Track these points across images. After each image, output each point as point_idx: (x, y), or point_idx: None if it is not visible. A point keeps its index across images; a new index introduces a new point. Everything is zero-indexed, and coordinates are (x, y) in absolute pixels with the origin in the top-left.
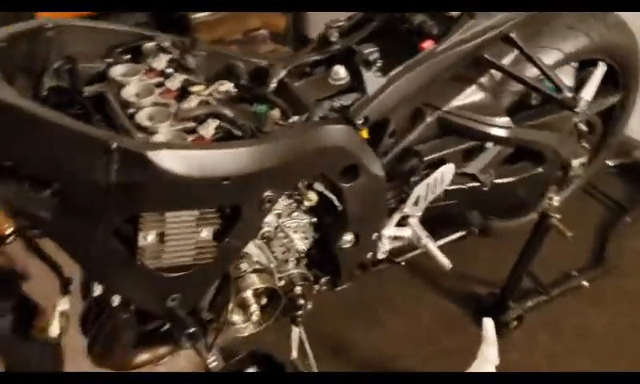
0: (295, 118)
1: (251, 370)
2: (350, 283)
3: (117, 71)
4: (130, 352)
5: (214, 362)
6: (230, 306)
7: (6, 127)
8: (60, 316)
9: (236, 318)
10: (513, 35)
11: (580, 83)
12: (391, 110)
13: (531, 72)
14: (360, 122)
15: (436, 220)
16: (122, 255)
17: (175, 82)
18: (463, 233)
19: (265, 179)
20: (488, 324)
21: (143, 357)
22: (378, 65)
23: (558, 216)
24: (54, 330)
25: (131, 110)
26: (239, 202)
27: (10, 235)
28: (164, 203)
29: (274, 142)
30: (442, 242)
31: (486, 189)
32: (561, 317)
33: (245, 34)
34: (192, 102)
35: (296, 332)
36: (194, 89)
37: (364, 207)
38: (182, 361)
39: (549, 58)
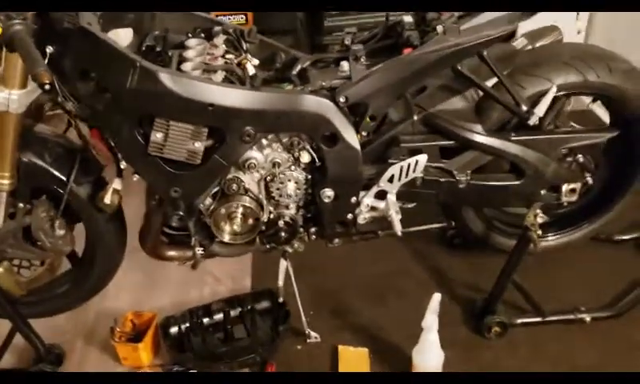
0: (290, 87)
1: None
2: (341, 242)
3: (191, 43)
4: (161, 243)
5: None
6: (222, 210)
7: (91, 47)
8: (113, 192)
9: (223, 225)
10: (484, 54)
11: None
12: (369, 96)
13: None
14: (342, 100)
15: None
16: (139, 144)
17: (218, 50)
18: (440, 225)
19: (245, 116)
20: (436, 297)
21: (171, 252)
22: (367, 62)
23: (539, 232)
24: (107, 199)
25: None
26: (222, 126)
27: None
28: (166, 111)
29: (256, 92)
30: (416, 228)
31: (461, 186)
32: (549, 340)
33: None
34: (217, 63)
35: (283, 264)
36: (228, 56)
37: (341, 170)
38: None
39: (537, 85)
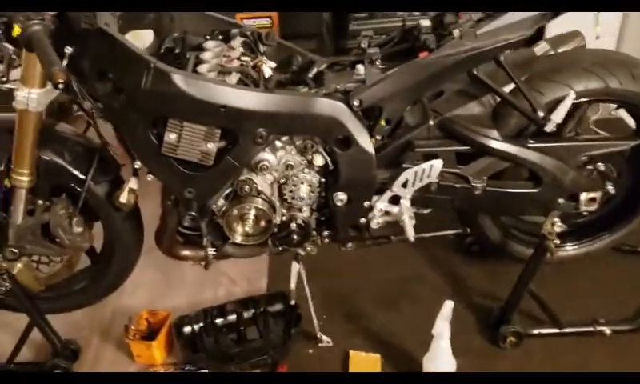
0: (305, 90)
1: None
2: (354, 246)
3: (209, 45)
4: (177, 243)
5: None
6: (235, 212)
7: (108, 47)
8: (129, 191)
9: (235, 226)
10: (501, 58)
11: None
12: (384, 99)
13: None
14: (356, 103)
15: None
16: (153, 144)
17: (235, 53)
18: (455, 231)
19: (258, 118)
20: (448, 304)
21: (186, 252)
22: (383, 66)
23: (556, 241)
24: (123, 198)
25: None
26: (235, 128)
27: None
28: (179, 112)
29: (269, 94)
30: (430, 234)
31: (477, 193)
32: (566, 352)
33: None
34: (233, 65)
35: (295, 267)
36: (243, 58)
37: (354, 174)
38: None
39: (556, 91)
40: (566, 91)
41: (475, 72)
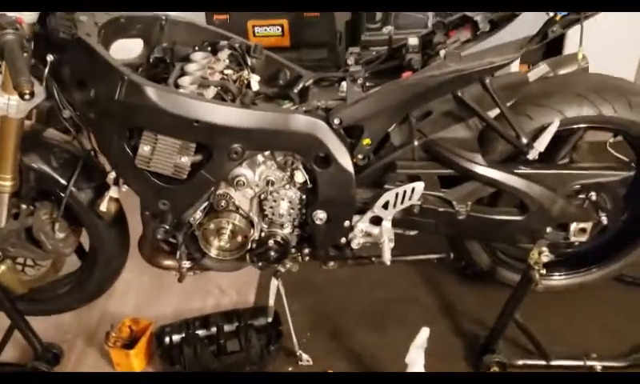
0: (286, 105)
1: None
2: (336, 265)
3: (196, 56)
4: (159, 252)
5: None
6: (211, 226)
7: (86, 57)
8: (109, 199)
9: (212, 239)
10: (487, 81)
11: None
12: (364, 119)
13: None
14: (336, 122)
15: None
16: (127, 156)
17: (219, 65)
18: (437, 255)
19: (232, 133)
20: (424, 332)
21: (168, 262)
22: (370, 83)
23: (542, 271)
24: (103, 207)
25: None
26: (209, 143)
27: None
28: (152, 125)
29: (245, 110)
30: (412, 257)
31: (461, 217)
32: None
33: None
34: (215, 77)
35: (274, 284)
36: (226, 71)
37: (334, 193)
38: None
39: (546, 116)
40: (556, 117)
41: (460, 94)
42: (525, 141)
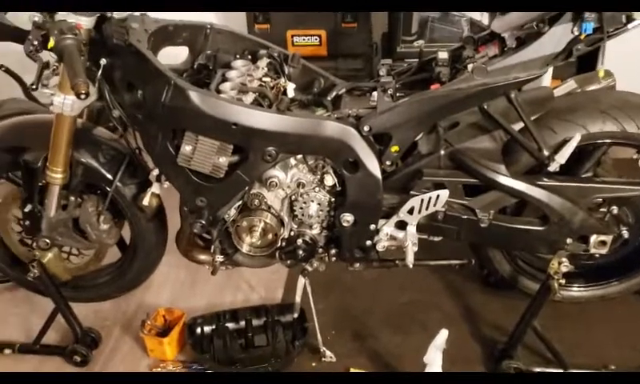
0: (319, 112)
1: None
2: (361, 267)
3: (237, 63)
4: (194, 247)
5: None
6: (244, 223)
7: (136, 62)
8: (151, 195)
9: (244, 236)
10: (512, 95)
11: None
12: (393, 127)
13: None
14: (366, 129)
15: None
16: (170, 154)
17: (258, 73)
18: (459, 262)
19: (267, 137)
20: (442, 333)
21: (202, 256)
22: (400, 93)
23: (561, 281)
24: (145, 201)
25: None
26: (245, 145)
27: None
28: (194, 126)
29: (280, 115)
30: (434, 262)
31: (483, 225)
32: None
33: None
34: (253, 84)
35: (301, 281)
36: (264, 79)
37: (361, 197)
38: None
39: (569, 131)
40: (579, 132)
41: (485, 107)
42: (546, 153)
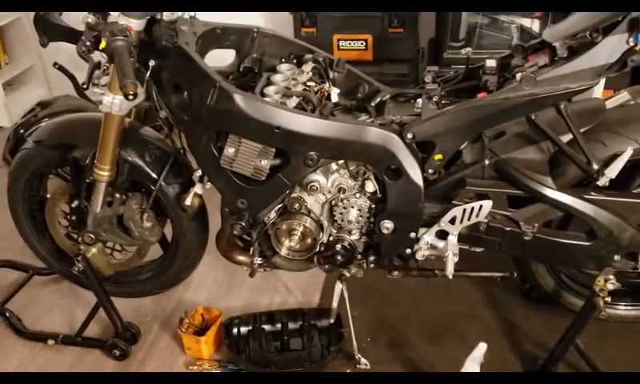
0: (362, 118)
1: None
2: (400, 275)
3: (282, 67)
4: (234, 248)
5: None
6: (283, 226)
7: (183, 64)
8: (194, 195)
9: (283, 239)
10: (562, 106)
11: None
12: (437, 135)
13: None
14: (409, 136)
15: None
16: (213, 156)
17: (302, 77)
18: (500, 274)
19: (309, 141)
20: (481, 347)
21: (241, 257)
22: (445, 101)
23: (607, 299)
24: (188, 201)
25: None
26: (287, 149)
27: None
28: (237, 129)
29: (322, 120)
30: (474, 273)
31: (527, 238)
32: None
33: None
34: (298, 88)
35: (338, 287)
36: (309, 83)
37: (402, 204)
38: None
39: (620, 144)
40: (631, 146)
41: (533, 117)
42: (596, 167)
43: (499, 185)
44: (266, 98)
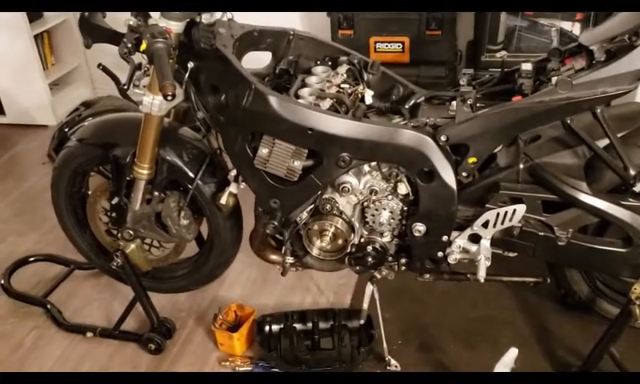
0: (396, 120)
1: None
2: (431, 278)
3: (317, 69)
4: (267, 247)
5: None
6: (315, 227)
7: (220, 66)
8: (229, 194)
9: (315, 239)
10: (598, 111)
11: None
12: (471, 138)
13: None
14: (443, 139)
15: None
16: (248, 156)
17: (337, 79)
18: (534, 279)
19: (342, 143)
20: (512, 352)
21: (274, 256)
22: (478, 104)
23: None
24: (223, 200)
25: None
26: (320, 150)
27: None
28: (272, 130)
29: (355, 122)
30: (507, 278)
31: (561, 244)
32: None
33: None
34: (332, 90)
35: (369, 288)
36: (343, 85)
37: (435, 207)
38: None
39: None
40: None
41: (569, 122)
42: (633, 173)
43: (533, 189)
44: (300, 100)
